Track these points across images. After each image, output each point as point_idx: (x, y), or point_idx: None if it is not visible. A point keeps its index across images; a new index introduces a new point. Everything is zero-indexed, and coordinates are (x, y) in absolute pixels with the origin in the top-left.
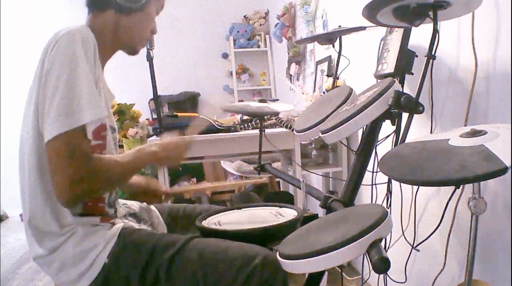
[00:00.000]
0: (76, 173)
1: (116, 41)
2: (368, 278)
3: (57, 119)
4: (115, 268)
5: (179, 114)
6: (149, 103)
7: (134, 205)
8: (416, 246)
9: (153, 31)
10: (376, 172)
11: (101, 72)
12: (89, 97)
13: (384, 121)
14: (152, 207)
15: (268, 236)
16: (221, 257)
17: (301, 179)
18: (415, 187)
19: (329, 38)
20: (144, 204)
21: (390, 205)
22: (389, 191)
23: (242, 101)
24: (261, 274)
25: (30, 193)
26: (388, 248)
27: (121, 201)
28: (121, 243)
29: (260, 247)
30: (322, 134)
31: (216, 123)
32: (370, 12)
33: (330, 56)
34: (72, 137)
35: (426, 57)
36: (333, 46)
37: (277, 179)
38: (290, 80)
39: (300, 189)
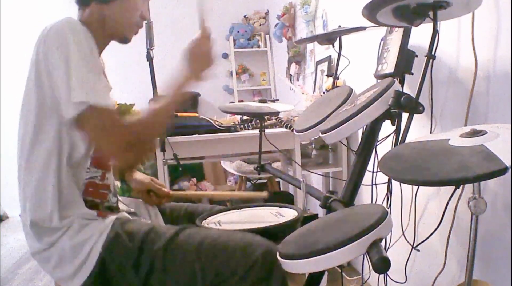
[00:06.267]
0: (121, 141)
1: (105, 32)
2: (368, 278)
3: (81, 93)
4: (110, 259)
5: (179, 114)
6: (149, 103)
7: (133, 203)
8: (416, 246)
9: (142, 16)
10: (376, 172)
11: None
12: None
13: (384, 121)
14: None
15: (268, 236)
16: (220, 248)
17: (301, 179)
18: (415, 187)
19: (329, 38)
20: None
21: (390, 205)
22: (389, 191)
23: (242, 101)
24: (262, 266)
25: (35, 189)
26: (388, 248)
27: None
28: (114, 232)
29: (261, 238)
30: (322, 134)
31: (216, 123)
32: (370, 12)
33: (330, 56)
34: (102, 110)
35: (426, 57)
36: (333, 46)
37: (277, 179)
38: (290, 80)
39: (300, 189)
